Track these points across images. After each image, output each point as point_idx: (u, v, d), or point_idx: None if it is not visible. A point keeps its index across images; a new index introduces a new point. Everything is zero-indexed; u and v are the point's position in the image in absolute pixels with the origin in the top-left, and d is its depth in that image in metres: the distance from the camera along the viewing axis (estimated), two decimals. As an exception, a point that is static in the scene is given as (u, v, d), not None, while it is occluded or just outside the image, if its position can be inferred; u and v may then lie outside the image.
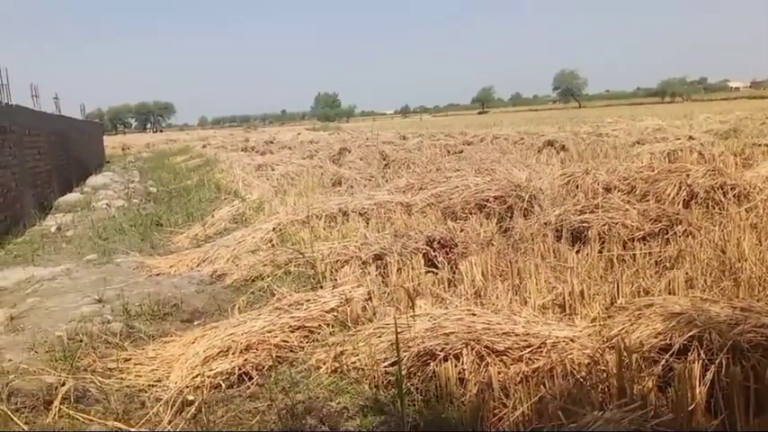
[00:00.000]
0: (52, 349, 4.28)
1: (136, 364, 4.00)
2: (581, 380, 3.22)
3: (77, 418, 3.33)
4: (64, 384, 3.59)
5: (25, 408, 3.44)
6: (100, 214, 10.96)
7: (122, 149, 40.91)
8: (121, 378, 3.81)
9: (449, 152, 16.93)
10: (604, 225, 5.96)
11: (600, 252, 5.51)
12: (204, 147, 32.08)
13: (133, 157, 33.41)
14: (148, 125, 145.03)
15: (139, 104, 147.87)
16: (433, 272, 5.25)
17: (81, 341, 4.39)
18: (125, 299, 5.30)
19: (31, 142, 12.19)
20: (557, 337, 3.55)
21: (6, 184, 9.81)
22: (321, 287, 5.20)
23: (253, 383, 3.68)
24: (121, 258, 7.10)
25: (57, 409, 3.37)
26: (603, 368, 3.29)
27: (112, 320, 4.88)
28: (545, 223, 6.29)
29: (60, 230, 9.51)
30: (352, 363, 3.70)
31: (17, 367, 3.96)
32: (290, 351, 4.04)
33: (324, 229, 7.30)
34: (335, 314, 4.47)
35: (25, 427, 3.24)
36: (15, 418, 3.29)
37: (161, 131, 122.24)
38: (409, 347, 3.55)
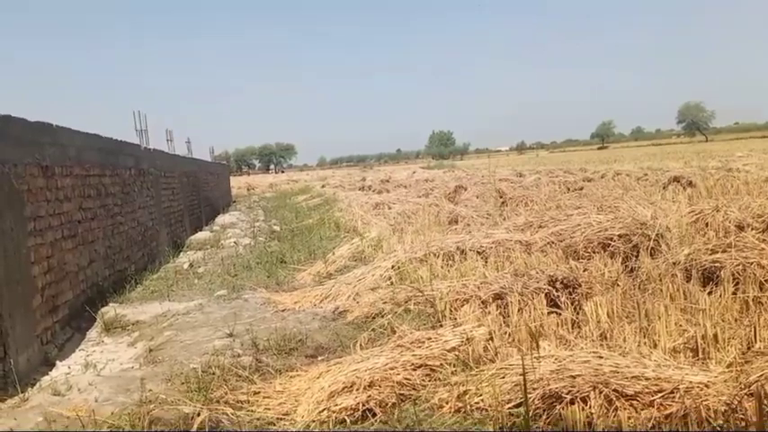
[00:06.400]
0: (188, 381, 4.52)
1: (264, 397, 4.16)
2: (718, 428, 3.07)
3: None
4: (199, 414, 3.79)
5: (165, 436, 3.66)
6: (228, 251, 11.51)
7: (247, 189, 42.92)
8: (252, 410, 3.97)
9: (568, 189, 16.58)
10: (738, 265, 5.64)
11: (734, 294, 5.22)
12: (323, 186, 33.06)
13: (257, 196, 34.89)
14: (271, 166, 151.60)
15: (263, 146, 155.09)
16: (555, 312, 5.15)
17: (214, 374, 4.61)
18: (253, 333, 5.54)
19: (166, 183, 13.04)
20: (690, 382, 3.40)
21: (145, 223, 10.53)
22: (441, 326, 5.21)
23: (377, 420, 3.72)
24: (249, 294, 7.43)
25: (194, 437, 3.56)
26: (742, 416, 3.12)
27: (242, 354, 5.11)
28: (673, 263, 6.04)
29: (192, 267, 10.06)
30: (475, 403, 3.69)
31: (157, 397, 4.23)
32: (413, 389, 4.06)
33: (442, 267, 7.32)
34: (457, 353, 4.46)
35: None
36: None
37: (283, 172, 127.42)
38: (534, 389, 3.50)
